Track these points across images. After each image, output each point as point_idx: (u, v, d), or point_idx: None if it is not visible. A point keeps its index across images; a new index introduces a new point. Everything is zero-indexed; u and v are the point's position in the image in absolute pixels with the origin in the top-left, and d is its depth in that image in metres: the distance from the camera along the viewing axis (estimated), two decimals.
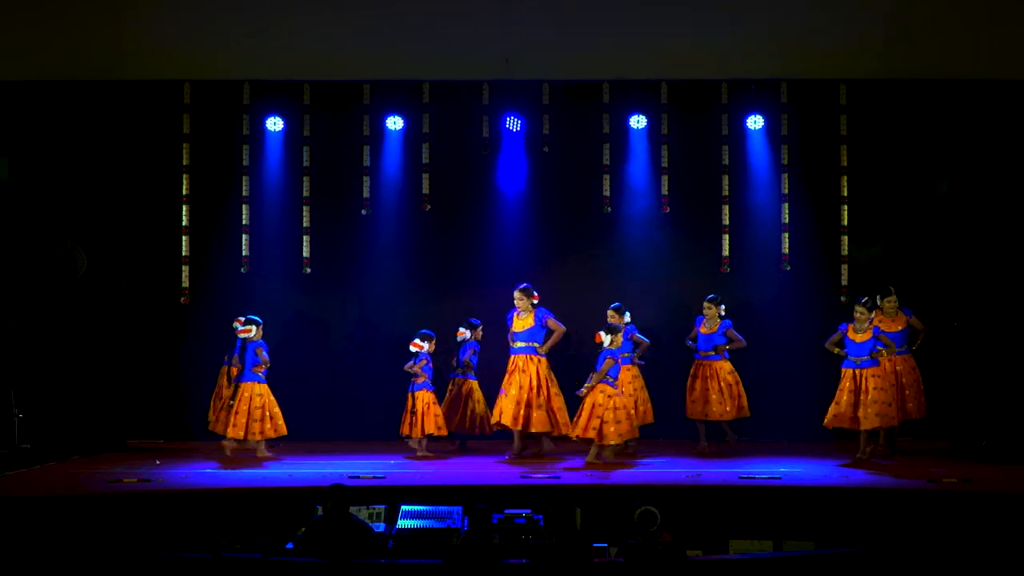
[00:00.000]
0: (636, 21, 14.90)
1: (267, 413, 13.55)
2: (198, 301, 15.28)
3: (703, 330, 14.00)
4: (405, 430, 13.62)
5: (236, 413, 13.41)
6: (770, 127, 15.27)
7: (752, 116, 15.21)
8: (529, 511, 10.14)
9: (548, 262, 15.44)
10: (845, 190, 15.24)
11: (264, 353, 13.65)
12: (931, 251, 15.03)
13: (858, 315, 13.09)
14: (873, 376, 12.90)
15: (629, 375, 13.74)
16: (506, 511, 10.16)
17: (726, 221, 15.33)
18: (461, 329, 14.26)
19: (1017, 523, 10.36)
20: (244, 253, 15.31)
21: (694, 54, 14.95)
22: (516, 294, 13.51)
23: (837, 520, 10.73)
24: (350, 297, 15.48)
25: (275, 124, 15.31)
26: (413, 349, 13.82)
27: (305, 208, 15.38)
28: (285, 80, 15.23)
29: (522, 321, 13.49)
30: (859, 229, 15.25)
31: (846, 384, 13.01)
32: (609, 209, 15.38)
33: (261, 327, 13.72)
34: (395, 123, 15.29)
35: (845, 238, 15.25)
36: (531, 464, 12.85)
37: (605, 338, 13.02)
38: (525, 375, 13.33)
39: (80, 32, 14.85)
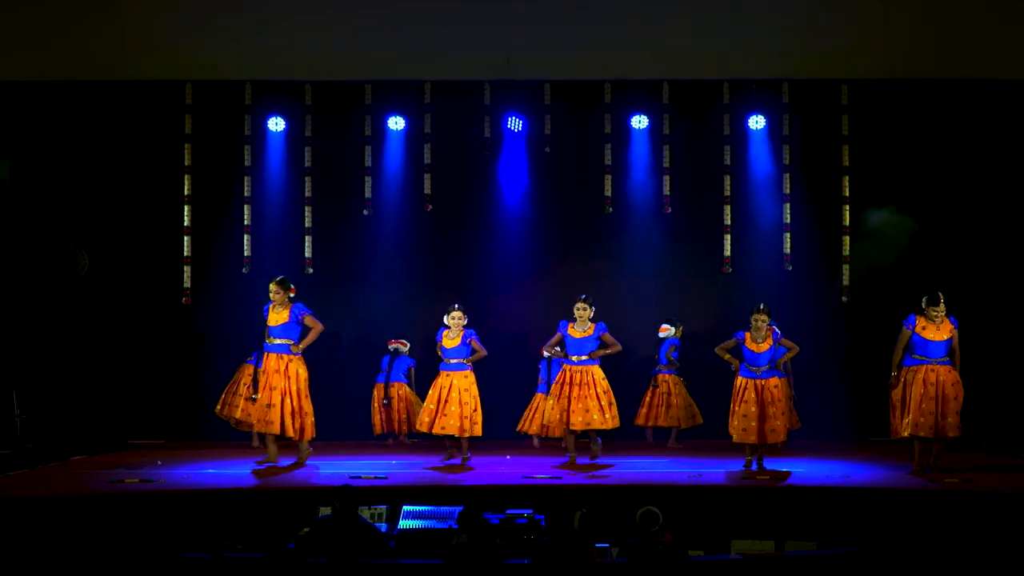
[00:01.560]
0: (637, 21, 14.93)
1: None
2: (200, 301, 15.30)
3: (576, 334, 12.81)
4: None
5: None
6: (771, 127, 15.30)
7: (753, 116, 15.24)
8: (531, 511, 10.13)
9: (549, 262, 15.47)
10: (847, 190, 15.25)
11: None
12: (932, 251, 15.01)
13: (756, 323, 12.36)
14: (776, 387, 12.32)
15: (466, 382, 12.95)
16: (507, 511, 10.14)
17: (728, 221, 15.34)
18: (664, 325, 14.51)
19: (1017, 523, 10.35)
20: (246, 253, 15.34)
21: (695, 54, 14.98)
22: (271, 286, 12.39)
23: (839, 520, 10.71)
24: (352, 297, 15.48)
25: (277, 124, 15.34)
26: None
27: (307, 208, 15.41)
28: (286, 80, 15.26)
29: (276, 315, 12.37)
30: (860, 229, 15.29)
31: (751, 396, 12.24)
32: (610, 209, 15.40)
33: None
34: (396, 123, 15.32)
35: (847, 238, 15.26)
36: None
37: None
38: (278, 376, 12.30)
39: (81, 32, 14.88)
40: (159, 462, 12.84)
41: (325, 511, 10.10)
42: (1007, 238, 14.95)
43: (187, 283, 15.28)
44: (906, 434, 12.11)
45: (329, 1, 14.99)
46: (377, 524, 10.06)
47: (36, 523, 10.39)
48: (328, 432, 14.85)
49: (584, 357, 12.75)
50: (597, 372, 12.77)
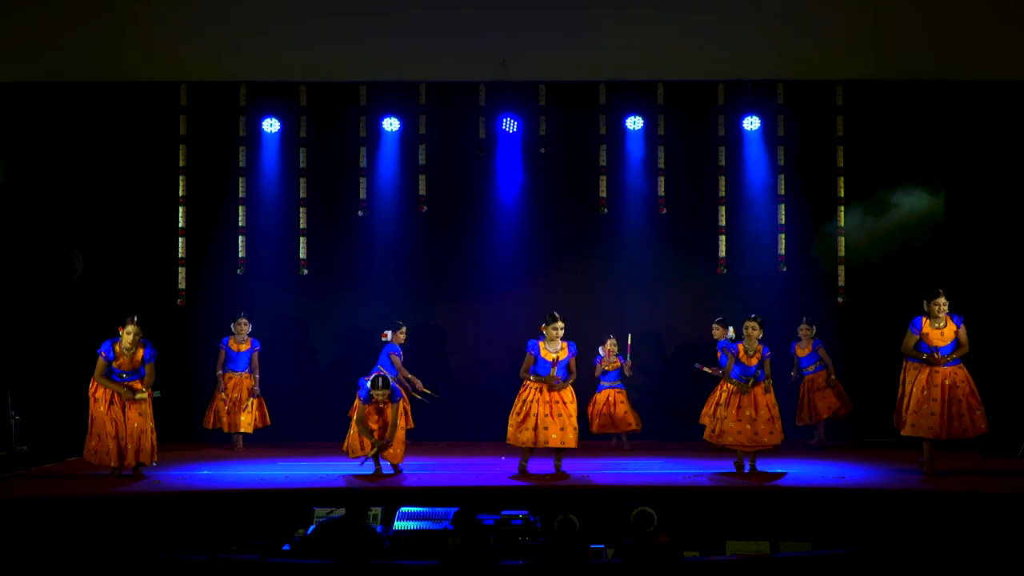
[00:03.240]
0: (632, 22, 14.86)
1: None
2: (195, 303, 15.28)
3: (549, 356, 12.23)
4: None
5: None
6: (766, 128, 15.30)
7: (748, 117, 15.26)
8: (526, 512, 10.12)
9: (544, 263, 15.46)
10: (842, 191, 15.25)
11: None
12: (927, 251, 14.99)
13: (748, 330, 12.24)
14: (763, 394, 12.23)
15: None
16: (503, 512, 10.13)
17: (723, 222, 15.35)
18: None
19: (1012, 524, 10.35)
20: (241, 255, 15.33)
21: (690, 55, 14.93)
22: (134, 328, 12.06)
23: (834, 521, 10.70)
24: (347, 298, 15.46)
25: (272, 125, 15.33)
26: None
27: (302, 209, 15.40)
28: (282, 81, 15.25)
29: (131, 361, 12.07)
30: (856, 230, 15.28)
31: (746, 401, 12.16)
32: (606, 210, 15.40)
33: None
34: (391, 124, 15.31)
35: (842, 239, 15.26)
36: None
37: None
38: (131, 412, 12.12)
39: (77, 34, 14.77)
40: (153, 463, 12.81)
41: (321, 513, 10.10)
42: (1003, 238, 14.92)
43: (182, 284, 15.26)
44: (904, 433, 12.09)
45: (324, 2, 14.94)
46: (373, 525, 10.05)
47: (31, 525, 10.38)
48: (323, 433, 14.91)
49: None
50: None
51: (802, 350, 14.55)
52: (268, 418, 14.61)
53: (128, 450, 11.98)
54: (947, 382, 11.88)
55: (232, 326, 14.48)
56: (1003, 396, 14.25)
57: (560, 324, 12.17)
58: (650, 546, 8.67)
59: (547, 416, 12.10)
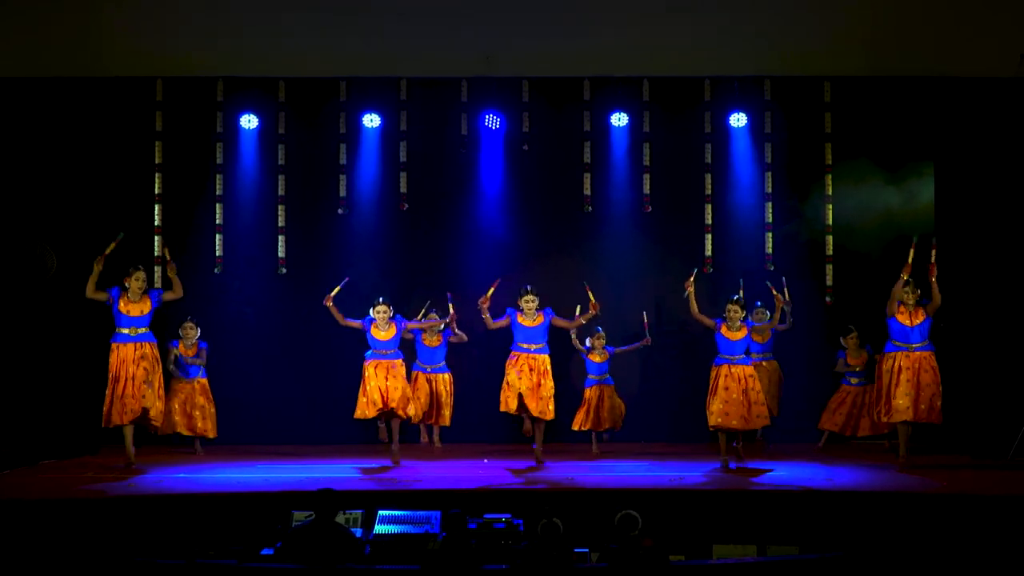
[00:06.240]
0: (617, 17, 14.73)
1: None
2: (171, 302, 15.03)
3: (527, 323, 13.04)
4: None
5: None
6: (753, 125, 15.23)
7: (735, 114, 15.18)
8: (509, 516, 10.00)
9: (528, 261, 15.31)
10: (830, 188, 15.16)
11: None
12: (916, 249, 14.87)
13: (730, 313, 12.73)
14: (751, 376, 12.60)
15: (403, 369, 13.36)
16: (485, 516, 10.01)
17: (709, 220, 15.29)
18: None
19: (1001, 526, 10.25)
20: (218, 253, 15.21)
21: (676, 50, 14.82)
22: (140, 275, 12.64)
23: (821, 524, 10.58)
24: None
25: (250, 122, 15.22)
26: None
27: (280, 207, 15.29)
28: (260, 77, 15.13)
29: (137, 306, 12.59)
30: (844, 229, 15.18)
31: (731, 383, 12.54)
32: (590, 208, 15.33)
33: None
34: (372, 120, 15.20)
35: (830, 237, 15.17)
36: None
37: None
38: (157, 364, 12.79)
39: (51, 29, 14.60)
40: (132, 466, 12.66)
41: (299, 517, 9.96)
42: (993, 234, 14.85)
43: (158, 284, 15.05)
44: (886, 419, 12.55)
45: None
46: (352, 529, 9.90)
47: (4, 528, 10.19)
48: (302, 435, 14.79)
49: (537, 345, 12.95)
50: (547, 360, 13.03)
51: (855, 359, 14.41)
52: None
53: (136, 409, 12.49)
54: (917, 366, 12.39)
55: (180, 330, 14.08)
56: (993, 397, 14.20)
57: (531, 297, 12.91)
58: (635, 550, 8.56)
59: (528, 388, 12.70)
